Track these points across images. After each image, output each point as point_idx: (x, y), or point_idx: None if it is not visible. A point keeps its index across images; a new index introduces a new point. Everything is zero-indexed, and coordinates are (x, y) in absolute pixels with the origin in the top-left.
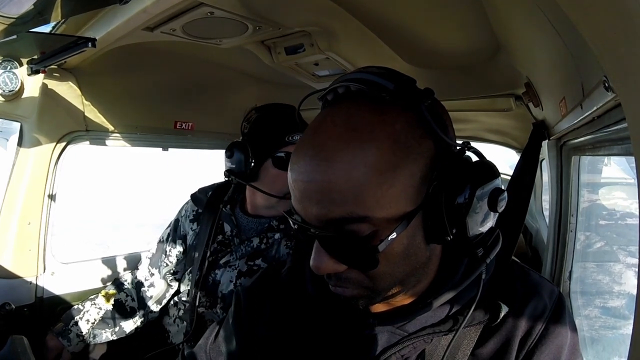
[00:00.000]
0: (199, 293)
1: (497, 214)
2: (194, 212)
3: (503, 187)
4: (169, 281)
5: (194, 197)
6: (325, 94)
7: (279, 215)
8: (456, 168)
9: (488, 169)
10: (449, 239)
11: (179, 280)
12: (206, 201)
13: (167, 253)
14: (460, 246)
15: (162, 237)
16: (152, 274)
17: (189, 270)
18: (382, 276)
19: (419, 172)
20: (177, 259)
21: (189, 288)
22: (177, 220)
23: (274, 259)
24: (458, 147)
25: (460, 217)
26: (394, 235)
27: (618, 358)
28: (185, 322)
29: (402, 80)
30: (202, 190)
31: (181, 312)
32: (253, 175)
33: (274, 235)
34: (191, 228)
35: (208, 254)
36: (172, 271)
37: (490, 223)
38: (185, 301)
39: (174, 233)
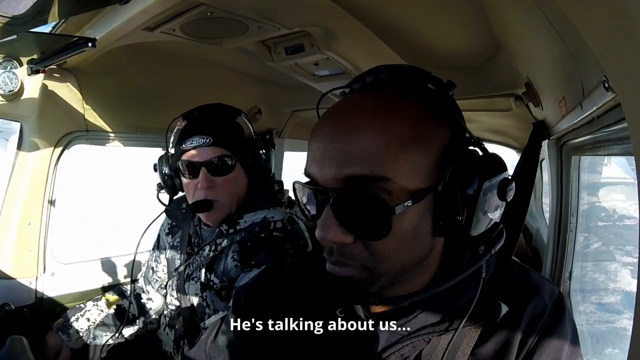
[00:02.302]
0: (185, 302)
1: (502, 209)
2: (169, 225)
3: None
4: (162, 294)
5: (167, 211)
6: (350, 83)
7: (222, 220)
8: (469, 158)
9: (497, 162)
10: (459, 218)
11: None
12: (180, 213)
13: (155, 269)
14: (464, 238)
15: (150, 253)
16: (148, 290)
17: (169, 282)
18: (387, 255)
19: (435, 152)
20: (164, 273)
21: (173, 299)
22: (158, 236)
23: (223, 273)
24: (472, 140)
25: (470, 203)
26: (409, 202)
27: (612, 349)
28: (173, 330)
29: (425, 73)
30: (176, 202)
31: (168, 319)
32: (179, 187)
33: (222, 241)
34: (167, 241)
35: (179, 266)
36: (162, 285)
37: (498, 213)
38: (172, 310)
39: (157, 248)
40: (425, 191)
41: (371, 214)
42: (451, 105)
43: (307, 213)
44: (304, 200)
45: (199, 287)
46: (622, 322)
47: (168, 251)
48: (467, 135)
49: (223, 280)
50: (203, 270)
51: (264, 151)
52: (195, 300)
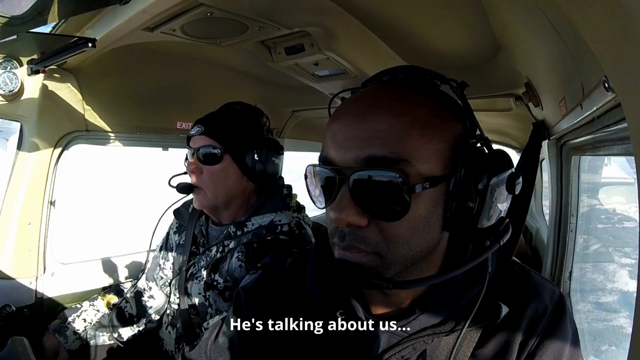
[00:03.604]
0: (184, 302)
1: (509, 203)
2: (177, 224)
3: None
4: (165, 293)
5: (176, 212)
6: (366, 82)
7: (231, 222)
8: (481, 153)
9: (506, 157)
10: (470, 205)
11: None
12: (186, 213)
13: (162, 266)
14: (472, 229)
15: (156, 250)
16: (150, 287)
17: (173, 281)
18: (400, 241)
19: (450, 141)
20: (171, 271)
21: (176, 298)
22: (167, 234)
23: (227, 273)
24: (481, 138)
25: (480, 194)
26: (427, 184)
27: (609, 346)
28: (175, 329)
29: (439, 74)
30: (186, 204)
31: (170, 318)
32: None
33: (229, 243)
34: (175, 240)
35: (183, 264)
36: (167, 283)
37: (505, 206)
38: (174, 309)
39: (165, 246)
40: (440, 178)
41: (390, 193)
42: (464, 103)
43: (319, 198)
44: (317, 184)
45: (202, 286)
46: (619, 320)
47: (175, 250)
48: (477, 132)
49: (227, 280)
50: (206, 270)
51: (257, 151)
52: (197, 300)
